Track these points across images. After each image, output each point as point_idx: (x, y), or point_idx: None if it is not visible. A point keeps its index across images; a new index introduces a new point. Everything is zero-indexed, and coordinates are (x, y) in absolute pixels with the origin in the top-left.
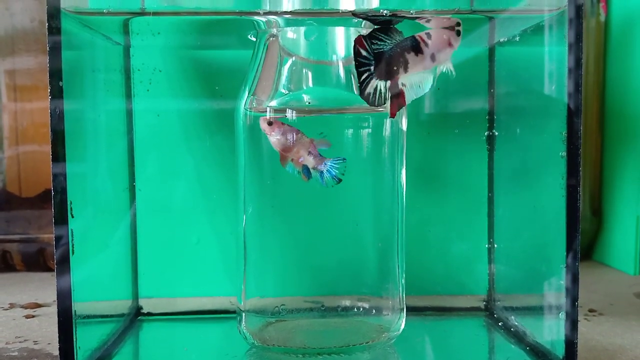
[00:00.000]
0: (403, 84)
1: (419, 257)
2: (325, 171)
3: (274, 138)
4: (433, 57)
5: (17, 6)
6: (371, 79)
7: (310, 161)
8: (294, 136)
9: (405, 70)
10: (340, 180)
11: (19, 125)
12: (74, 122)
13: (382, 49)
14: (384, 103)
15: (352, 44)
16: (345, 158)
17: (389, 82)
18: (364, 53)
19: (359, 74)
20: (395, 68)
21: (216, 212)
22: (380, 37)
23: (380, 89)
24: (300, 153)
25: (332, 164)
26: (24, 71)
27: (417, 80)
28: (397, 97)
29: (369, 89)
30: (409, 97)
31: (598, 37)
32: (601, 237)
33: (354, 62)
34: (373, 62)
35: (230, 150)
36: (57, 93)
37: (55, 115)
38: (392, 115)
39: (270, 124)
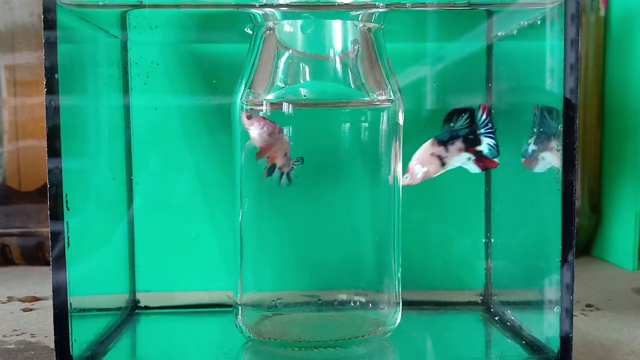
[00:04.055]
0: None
1: (416, 251)
2: (286, 172)
3: (254, 132)
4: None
5: (16, 0)
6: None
7: (282, 162)
8: (275, 133)
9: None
10: (290, 181)
11: (18, 120)
12: (70, 115)
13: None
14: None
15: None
16: (303, 158)
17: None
18: (486, 119)
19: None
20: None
21: (215, 207)
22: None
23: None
24: (278, 153)
25: (294, 165)
26: (24, 66)
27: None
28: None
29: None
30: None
31: (597, 32)
32: (600, 232)
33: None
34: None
35: (228, 144)
36: (53, 87)
37: (51, 108)
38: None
39: (249, 117)
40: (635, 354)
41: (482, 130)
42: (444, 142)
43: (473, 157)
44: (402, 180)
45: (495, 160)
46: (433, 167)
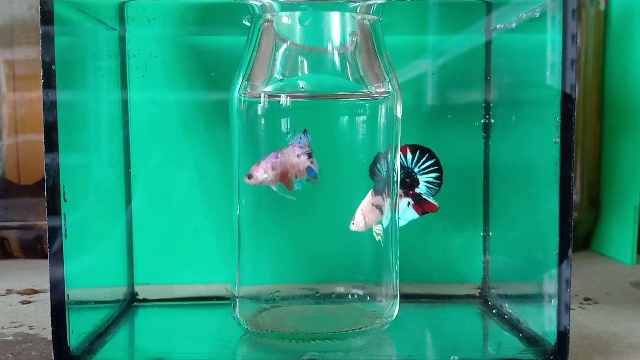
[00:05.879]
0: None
1: (414, 245)
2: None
3: (265, 180)
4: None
5: None
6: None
7: (305, 162)
8: (277, 164)
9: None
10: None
11: (17, 115)
12: (67, 109)
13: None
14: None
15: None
16: (306, 129)
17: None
18: (413, 158)
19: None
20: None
21: (213, 200)
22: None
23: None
24: (295, 166)
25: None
26: (23, 61)
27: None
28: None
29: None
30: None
31: (597, 26)
32: (599, 227)
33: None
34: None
35: (226, 137)
36: (50, 80)
37: (49, 102)
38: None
39: (250, 177)
40: (632, 347)
41: (416, 170)
42: (380, 192)
43: (412, 202)
44: (351, 227)
45: (435, 204)
46: (374, 217)
